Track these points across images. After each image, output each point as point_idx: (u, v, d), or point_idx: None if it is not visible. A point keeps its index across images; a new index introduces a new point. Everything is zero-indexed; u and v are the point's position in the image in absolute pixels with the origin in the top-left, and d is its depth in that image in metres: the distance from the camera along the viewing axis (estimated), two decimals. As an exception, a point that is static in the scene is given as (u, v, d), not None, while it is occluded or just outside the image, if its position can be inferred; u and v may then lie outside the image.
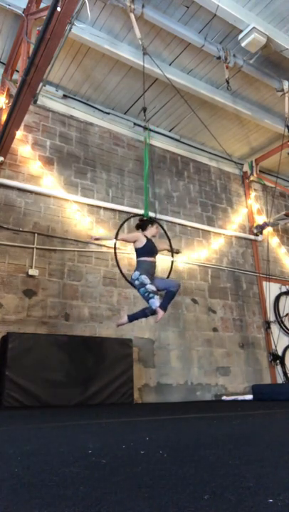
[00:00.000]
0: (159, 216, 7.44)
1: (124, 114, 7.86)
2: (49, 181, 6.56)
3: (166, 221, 7.56)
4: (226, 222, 8.65)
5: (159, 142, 8.26)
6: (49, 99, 7.07)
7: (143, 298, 4.53)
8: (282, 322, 8.47)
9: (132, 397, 5.66)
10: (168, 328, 6.88)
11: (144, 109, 5.31)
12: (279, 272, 9.02)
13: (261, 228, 8.93)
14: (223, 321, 7.65)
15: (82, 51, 6.44)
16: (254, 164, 9.39)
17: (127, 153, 7.78)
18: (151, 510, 0.88)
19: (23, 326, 5.56)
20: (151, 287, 4.36)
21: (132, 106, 7.67)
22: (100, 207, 6.97)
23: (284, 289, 8.91)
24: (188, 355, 6.95)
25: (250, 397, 6.52)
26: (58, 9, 3.90)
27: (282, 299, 8.75)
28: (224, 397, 6.91)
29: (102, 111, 7.64)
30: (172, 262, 5.33)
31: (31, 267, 5.91)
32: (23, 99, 4.97)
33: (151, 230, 4.82)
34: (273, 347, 8.03)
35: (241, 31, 5.86)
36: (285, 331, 8.42)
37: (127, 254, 6.49)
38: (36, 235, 6.13)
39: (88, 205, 6.85)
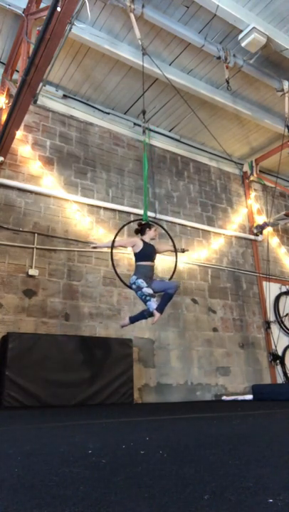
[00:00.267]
0: (159, 216, 7.44)
1: (124, 114, 7.86)
2: (49, 181, 6.56)
3: (166, 221, 7.56)
4: (225, 222, 8.65)
5: (159, 142, 8.26)
6: (49, 99, 7.07)
7: (141, 300, 4.62)
8: (282, 322, 8.47)
9: (132, 397, 5.66)
10: (168, 328, 6.88)
11: (144, 112, 5.28)
12: (279, 272, 9.02)
13: (261, 228, 8.93)
14: (223, 321, 7.65)
15: (82, 51, 6.44)
16: (254, 164, 9.39)
17: (127, 153, 7.78)
18: (151, 510, 0.88)
19: (23, 326, 5.57)
20: (147, 290, 4.43)
21: (132, 106, 7.67)
22: (100, 207, 6.97)
23: (284, 289, 8.91)
24: (188, 355, 6.95)
25: (250, 397, 6.52)
26: (58, 9, 3.91)
27: (282, 299, 8.75)
28: (224, 397, 6.91)
29: (102, 111, 7.64)
30: (176, 263, 5.24)
31: (31, 267, 5.91)
32: (23, 99, 4.97)
33: (150, 234, 4.85)
34: (273, 347, 8.03)
35: (241, 31, 5.87)
36: (285, 331, 8.42)
37: (127, 255, 6.49)
38: (36, 235, 6.13)
39: (88, 205, 6.85)
